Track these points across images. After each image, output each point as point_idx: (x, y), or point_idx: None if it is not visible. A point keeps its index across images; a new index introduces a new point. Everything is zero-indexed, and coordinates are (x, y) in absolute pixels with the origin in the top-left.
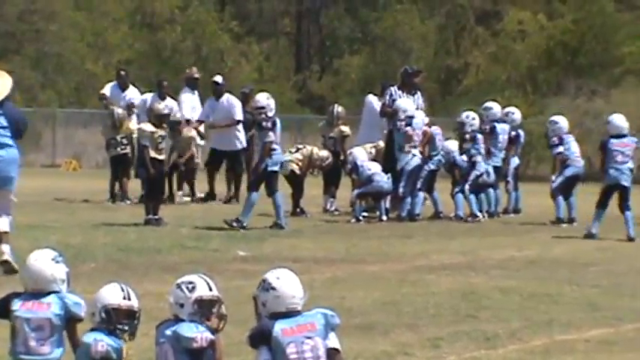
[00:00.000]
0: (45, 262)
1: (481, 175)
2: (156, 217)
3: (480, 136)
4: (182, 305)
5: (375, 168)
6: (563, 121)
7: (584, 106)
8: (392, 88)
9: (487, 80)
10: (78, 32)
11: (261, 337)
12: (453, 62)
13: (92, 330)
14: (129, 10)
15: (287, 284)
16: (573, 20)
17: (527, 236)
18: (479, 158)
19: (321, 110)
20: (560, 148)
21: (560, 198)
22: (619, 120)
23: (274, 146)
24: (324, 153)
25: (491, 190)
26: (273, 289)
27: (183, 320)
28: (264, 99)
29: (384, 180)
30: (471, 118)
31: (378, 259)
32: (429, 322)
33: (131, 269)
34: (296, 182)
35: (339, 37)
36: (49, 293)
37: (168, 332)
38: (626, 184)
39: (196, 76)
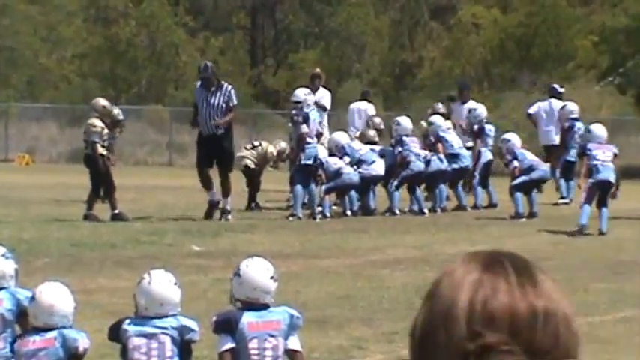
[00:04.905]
0: None
1: (415, 174)
2: (116, 212)
3: (406, 139)
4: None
5: (340, 162)
6: (514, 138)
7: None
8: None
9: (442, 74)
10: (31, 26)
11: (226, 325)
12: (407, 57)
13: (57, 328)
14: (83, 4)
15: (252, 274)
16: (527, 14)
17: (481, 231)
18: (412, 158)
19: (276, 105)
20: (515, 163)
21: (519, 194)
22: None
23: (308, 140)
24: (281, 146)
25: (442, 186)
26: (238, 275)
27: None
28: (302, 94)
29: (352, 173)
30: (396, 124)
31: (332, 254)
32: (384, 317)
33: (85, 264)
34: (251, 177)
35: (293, 31)
36: None
37: (165, 325)
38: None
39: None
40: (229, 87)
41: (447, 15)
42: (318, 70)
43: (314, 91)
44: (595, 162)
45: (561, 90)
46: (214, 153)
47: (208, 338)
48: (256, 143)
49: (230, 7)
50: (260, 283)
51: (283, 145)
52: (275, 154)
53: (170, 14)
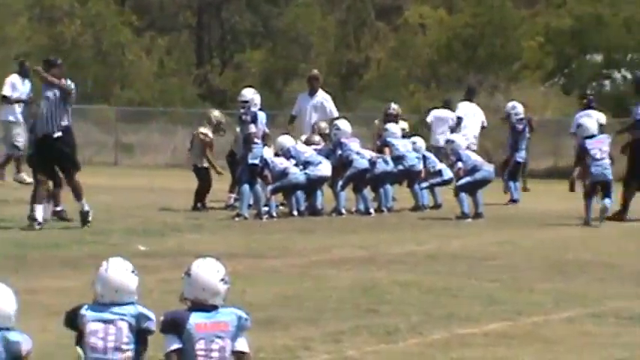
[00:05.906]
0: None
1: (360, 172)
2: (58, 208)
3: (345, 140)
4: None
5: (286, 162)
6: (459, 139)
7: (484, 101)
8: None
9: (388, 75)
10: None
11: (172, 325)
12: (353, 57)
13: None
14: (28, 3)
15: (202, 275)
16: (473, 14)
17: (427, 231)
18: (354, 156)
19: (223, 105)
20: (459, 164)
21: (463, 194)
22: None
23: (255, 140)
24: (214, 115)
25: (388, 186)
26: (188, 275)
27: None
28: (249, 93)
29: (298, 173)
30: (335, 128)
31: (279, 254)
32: (330, 317)
33: (30, 264)
34: (200, 176)
35: (240, 31)
36: None
37: (124, 312)
38: (609, 178)
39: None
40: (70, 83)
41: (393, 15)
42: (315, 71)
43: (312, 94)
44: (592, 160)
45: None
46: (53, 158)
47: (155, 339)
48: (190, 139)
49: (176, 7)
50: (209, 284)
51: (216, 113)
52: (208, 126)
53: (116, 13)
